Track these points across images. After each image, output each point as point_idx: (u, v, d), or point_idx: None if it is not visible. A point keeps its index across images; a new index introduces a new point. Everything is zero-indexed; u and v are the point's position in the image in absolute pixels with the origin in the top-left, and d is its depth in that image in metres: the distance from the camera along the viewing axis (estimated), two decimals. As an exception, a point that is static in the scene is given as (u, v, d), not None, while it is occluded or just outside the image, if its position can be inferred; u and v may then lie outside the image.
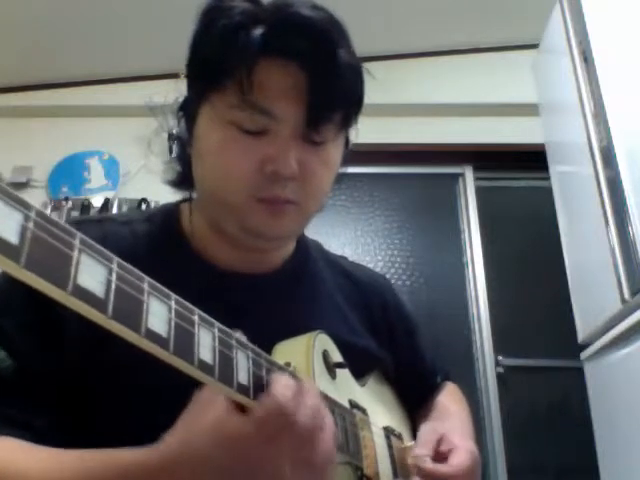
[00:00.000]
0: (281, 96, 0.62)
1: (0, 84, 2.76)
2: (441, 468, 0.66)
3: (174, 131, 0.75)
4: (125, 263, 0.38)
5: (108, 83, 2.76)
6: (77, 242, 0.34)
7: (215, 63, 0.63)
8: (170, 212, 0.76)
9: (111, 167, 2.70)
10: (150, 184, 2.62)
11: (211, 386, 0.42)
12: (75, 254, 0.33)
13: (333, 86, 0.62)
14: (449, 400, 0.88)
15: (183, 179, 0.74)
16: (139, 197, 2.56)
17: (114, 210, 2.56)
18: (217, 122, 0.65)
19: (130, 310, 0.36)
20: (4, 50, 2.60)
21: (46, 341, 0.60)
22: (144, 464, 0.46)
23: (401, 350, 0.85)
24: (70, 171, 2.69)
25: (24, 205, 0.31)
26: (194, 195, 0.75)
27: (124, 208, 2.59)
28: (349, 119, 0.68)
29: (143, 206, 2.54)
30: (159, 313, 0.39)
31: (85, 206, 2.58)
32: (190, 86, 0.70)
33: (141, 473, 0.45)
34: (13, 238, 0.30)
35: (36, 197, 2.63)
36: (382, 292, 0.88)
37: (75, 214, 2.56)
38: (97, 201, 2.61)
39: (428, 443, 0.70)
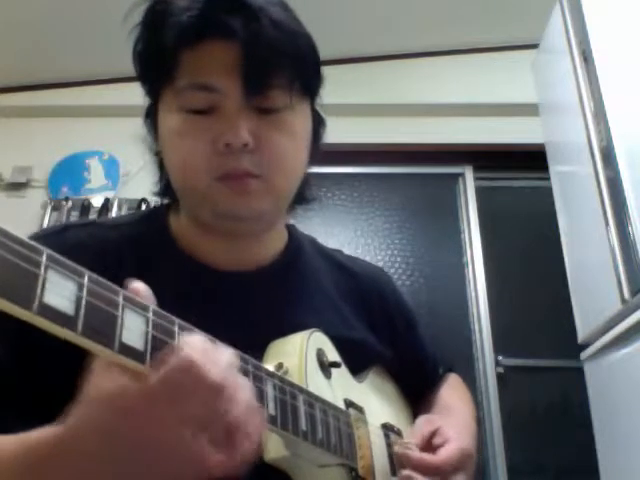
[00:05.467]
0: (219, 71, 0.63)
1: (0, 84, 2.76)
2: (427, 458, 0.66)
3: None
4: (97, 277, 0.37)
5: (108, 83, 2.76)
6: (44, 259, 0.33)
7: (150, 56, 0.67)
8: (159, 214, 0.76)
9: (111, 167, 2.70)
10: (150, 184, 2.61)
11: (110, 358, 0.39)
12: (41, 272, 0.32)
13: (263, 51, 0.62)
14: (451, 395, 0.88)
15: (165, 186, 0.75)
16: (139, 197, 2.55)
17: (114, 210, 2.56)
18: (169, 112, 0.66)
19: (103, 326, 0.35)
20: (4, 50, 2.60)
21: (23, 351, 0.59)
22: (49, 443, 0.43)
23: (402, 342, 0.84)
24: (70, 171, 2.69)
25: None
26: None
27: (124, 208, 2.58)
28: (298, 82, 0.66)
29: (143, 206, 2.53)
30: (135, 327, 0.38)
31: (85, 206, 2.57)
32: (145, 90, 0.72)
33: (47, 452, 0.43)
34: None
35: (36, 197, 2.63)
36: (380, 284, 0.87)
37: (75, 214, 2.56)
38: (97, 201, 2.60)
39: (420, 434, 0.70)
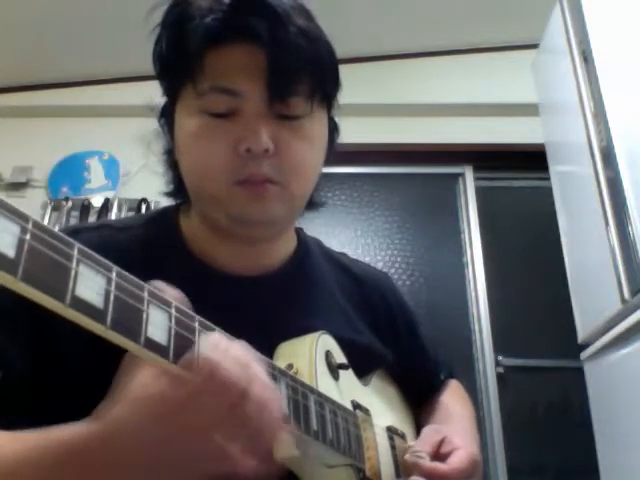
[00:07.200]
0: (242, 75, 0.63)
1: (0, 84, 2.76)
2: (439, 467, 0.66)
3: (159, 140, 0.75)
4: (124, 272, 0.37)
5: (108, 83, 2.76)
6: (75, 252, 0.33)
7: (172, 56, 0.65)
8: (169, 216, 0.76)
9: (111, 167, 2.70)
10: (150, 184, 2.61)
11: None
12: (73, 265, 0.33)
13: (289, 58, 0.62)
14: (452, 401, 0.88)
15: (177, 187, 0.75)
16: (139, 197, 2.56)
17: (114, 210, 2.56)
18: (189, 114, 0.66)
19: (129, 320, 0.36)
20: (4, 50, 2.60)
21: (37, 351, 0.59)
22: (78, 441, 0.44)
23: (404, 345, 0.84)
24: (70, 171, 2.69)
25: (21, 216, 0.31)
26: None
27: (124, 208, 2.58)
28: (319, 90, 0.66)
29: (143, 206, 2.54)
30: (159, 322, 0.39)
31: (85, 206, 2.57)
32: (163, 89, 0.71)
33: (77, 450, 0.43)
34: (10, 251, 0.29)
35: (36, 197, 2.63)
36: (382, 287, 0.88)
37: (75, 214, 2.56)
38: (97, 201, 2.60)
39: (429, 443, 0.70)
